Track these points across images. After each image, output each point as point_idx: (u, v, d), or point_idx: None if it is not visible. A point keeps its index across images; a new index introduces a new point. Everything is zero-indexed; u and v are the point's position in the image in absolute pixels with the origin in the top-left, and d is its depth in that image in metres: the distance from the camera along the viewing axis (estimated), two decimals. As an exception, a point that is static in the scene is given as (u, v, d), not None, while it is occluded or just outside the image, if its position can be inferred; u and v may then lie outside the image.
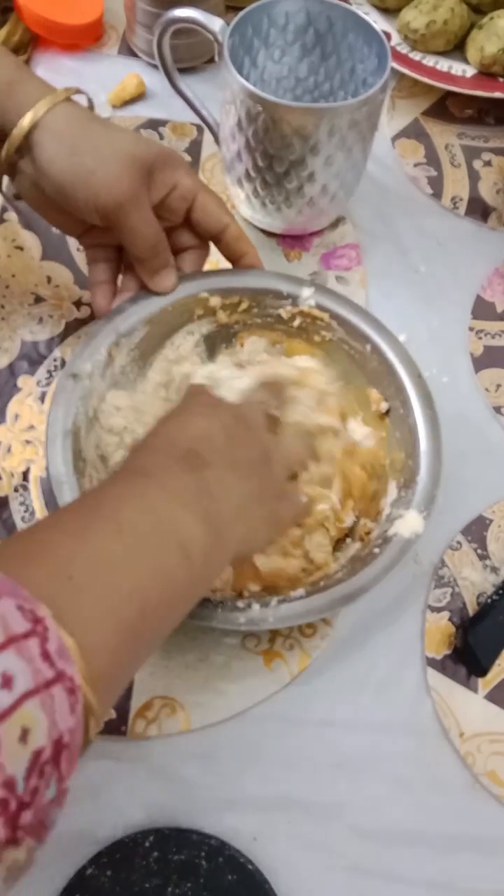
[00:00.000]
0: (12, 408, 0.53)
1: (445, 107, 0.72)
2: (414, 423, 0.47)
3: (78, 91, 0.47)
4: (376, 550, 0.43)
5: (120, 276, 0.52)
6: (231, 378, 0.48)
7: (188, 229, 0.50)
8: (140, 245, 0.47)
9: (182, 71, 0.60)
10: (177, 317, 0.51)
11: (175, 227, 0.50)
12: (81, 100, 0.48)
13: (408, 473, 0.46)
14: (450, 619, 0.48)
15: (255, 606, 0.42)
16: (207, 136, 0.66)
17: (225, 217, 0.49)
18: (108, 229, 0.47)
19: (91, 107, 0.49)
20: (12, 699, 0.24)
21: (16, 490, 0.50)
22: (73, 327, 0.57)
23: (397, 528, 0.44)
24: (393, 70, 0.56)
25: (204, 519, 0.36)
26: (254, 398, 0.47)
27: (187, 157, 0.66)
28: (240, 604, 0.42)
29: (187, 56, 0.68)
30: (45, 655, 0.25)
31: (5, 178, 0.49)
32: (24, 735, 0.24)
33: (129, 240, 0.47)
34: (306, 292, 0.51)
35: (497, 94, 0.67)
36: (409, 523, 0.44)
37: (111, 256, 0.51)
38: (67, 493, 0.43)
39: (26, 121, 0.44)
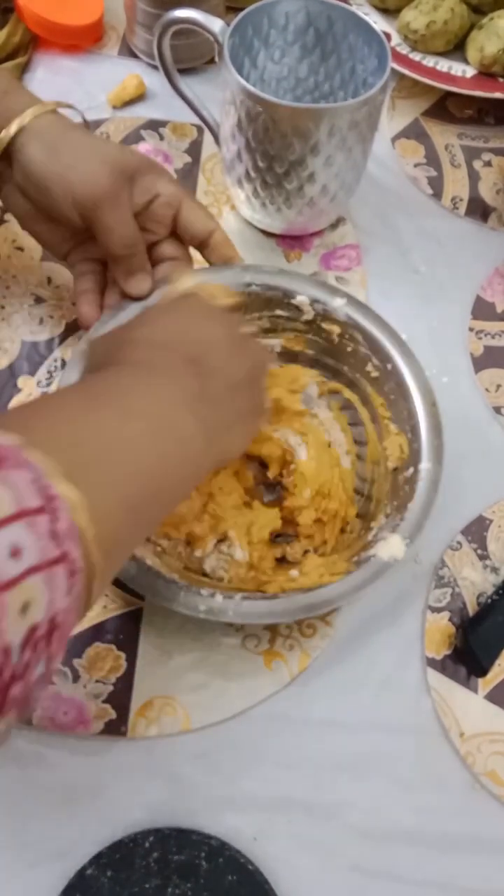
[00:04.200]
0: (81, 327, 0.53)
1: (445, 107, 0.72)
2: (418, 451, 0.46)
3: (69, 105, 0.48)
4: (352, 568, 0.43)
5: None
6: None
7: (172, 240, 0.51)
8: (116, 243, 0.47)
9: (182, 71, 0.60)
10: None
11: (159, 239, 0.51)
12: (73, 114, 0.48)
13: (403, 498, 0.46)
14: (450, 620, 0.48)
15: (218, 597, 0.42)
16: (207, 136, 0.66)
17: (211, 223, 0.50)
18: (92, 242, 0.48)
19: (86, 123, 0.50)
20: (18, 570, 0.24)
21: (16, 490, 0.50)
22: (73, 328, 0.57)
23: (378, 549, 0.43)
24: (393, 70, 0.56)
25: (202, 424, 0.37)
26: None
27: (187, 158, 0.66)
28: (203, 591, 0.42)
29: (187, 56, 0.68)
30: (54, 534, 0.26)
31: None
32: (25, 607, 0.24)
33: (105, 238, 0.47)
34: (338, 302, 0.51)
35: (497, 95, 0.67)
36: (390, 547, 0.43)
37: (97, 269, 0.52)
38: None
39: (13, 127, 0.45)
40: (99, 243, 0.48)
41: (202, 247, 0.51)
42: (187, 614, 0.41)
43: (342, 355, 0.52)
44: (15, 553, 0.24)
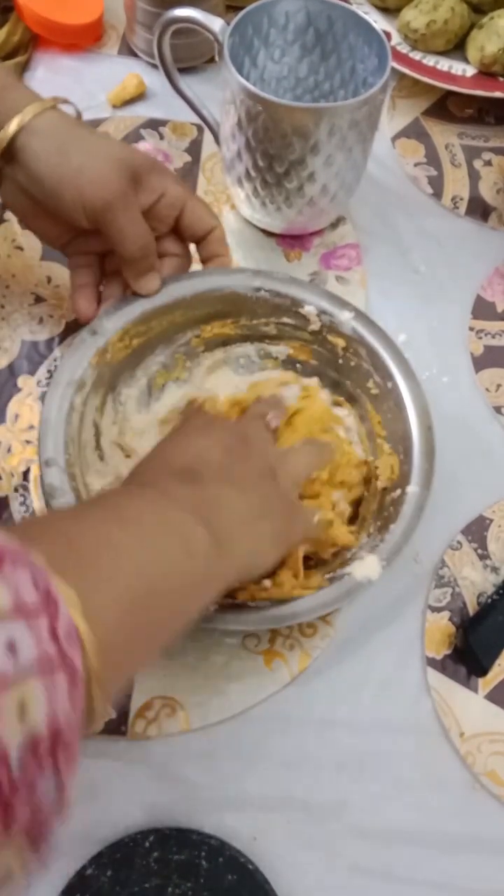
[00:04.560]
0: (12, 408, 0.53)
1: (446, 106, 0.72)
2: (408, 473, 0.46)
3: (66, 101, 0.47)
4: (325, 584, 0.43)
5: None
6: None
7: (173, 237, 0.51)
8: (129, 246, 0.47)
9: (182, 71, 0.60)
10: (207, 308, 0.52)
11: (160, 235, 0.50)
12: (70, 110, 0.48)
13: (387, 519, 0.45)
14: (450, 619, 0.48)
15: None
16: (207, 136, 0.66)
17: (213, 220, 0.50)
18: (92, 235, 0.48)
19: (79, 116, 0.49)
20: (15, 669, 0.23)
21: (16, 490, 0.50)
22: (73, 327, 0.57)
23: (354, 568, 0.43)
24: (393, 70, 0.56)
25: (205, 525, 0.36)
26: (253, 412, 0.46)
27: (187, 157, 0.66)
28: None
29: (187, 56, 0.68)
30: (54, 634, 0.25)
31: None
32: (23, 710, 0.23)
33: (117, 240, 0.46)
34: (345, 315, 0.51)
35: (497, 94, 0.67)
36: (366, 567, 0.43)
37: (93, 262, 0.51)
38: (51, 441, 0.44)
39: (13, 125, 0.44)
40: (111, 244, 0.47)
41: (199, 242, 0.51)
42: None
43: (345, 369, 0.52)
44: (11, 649, 0.23)
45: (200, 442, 0.42)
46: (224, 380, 0.53)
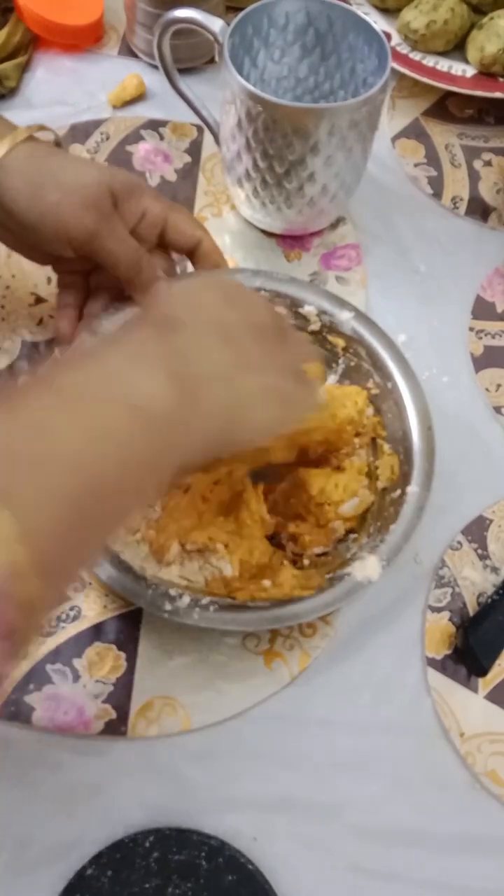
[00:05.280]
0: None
1: (445, 107, 0.72)
2: (408, 473, 0.46)
3: (42, 128, 0.46)
4: (325, 585, 0.44)
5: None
6: None
7: (158, 251, 0.50)
8: (123, 267, 0.46)
9: (182, 71, 0.60)
10: None
11: (97, 266, 0.50)
12: (47, 136, 0.47)
13: (387, 519, 0.45)
14: (450, 619, 0.48)
15: (186, 598, 0.42)
16: (207, 136, 0.66)
17: (198, 232, 0.49)
18: (82, 258, 0.47)
19: (58, 142, 0.49)
20: None
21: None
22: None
23: (354, 569, 0.43)
24: (393, 70, 0.56)
25: (170, 376, 0.32)
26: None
27: (187, 158, 0.66)
28: (172, 592, 0.42)
29: (187, 56, 0.68)
30: None
31: None
32: None
33: (110, 264, 0.46)
34: (345, 315, 0.51)
35: (497, 94, 0.67)
36: (366, 568, 0.43)
37: (79, 282, 0.51)
38: None
39: None
40: (105, 268, 0.47)
41: (190, 255, 0.51)
42: (152, 612, 0.42)
43: (345, 369, 0.52)
44: None
45: (201, 292, 0.37)
46: None
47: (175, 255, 0.52)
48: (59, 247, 0.45)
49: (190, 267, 0.53)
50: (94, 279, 0.51)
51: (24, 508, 0.26)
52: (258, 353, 0.35)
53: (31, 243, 0.47)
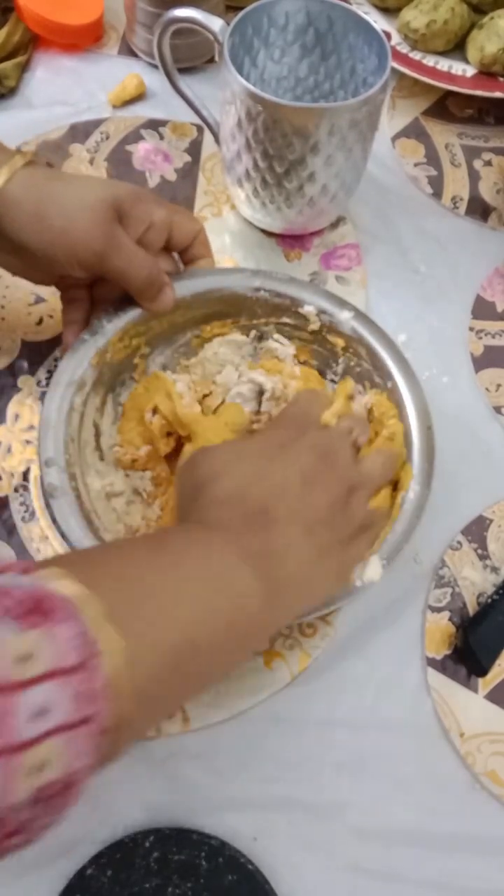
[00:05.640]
0: (12, 408, 0.53)
1: (446, 106, 0.72)
2: (407, 473, 0.46)
3: (33, 155, 0.45)
4: None
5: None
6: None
7: (163, 255, 0.50)
8: (134, 282, 0.46)
9: (182, 71, 0.60)
10: (206, 308, 0.52)
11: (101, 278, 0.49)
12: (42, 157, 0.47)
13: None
14: (450, 619, 0.48)
15: None
16: (207, 136, 0.66)
17: (195, 224, 0.50)
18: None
19: (49, 163, 0.49)
20: (38, 731, 0.24)
21: (16, 490, 0.50)
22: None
23: (356, 569, 0.43)
24: (393, 70, 0.56)
25: (263, 578, 0.36)
26: (341, 427, 0.45)
27: (187, 157, 0.66)
28: None
29: (187, 56, 0.68)
30: (90, 694, 0.26)
31: None
32: (41, 767, 0.24)
33: (121, 280, 0.46)
34: (345, 315, 0.50)
35: (497, 94, 0.67)
36: (368, 568, 0.43)
37: (84, 296, 0.50)
38: (51, 441, 0.44)
39: None
40: (118, 283, 0.47)
41: (184, 250, 0.50)
42: None
43: (345, 369, 0.52)
44: (41, 713, 0.24)
45: (279, 471, 0.40)
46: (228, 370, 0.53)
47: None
48: (70, 270, 0.45)
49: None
50: (97, 291, 0.50)
51: (134, 636, 0.29)
52: (327, 537, 0.40)
53: (39, 269, 0.47)
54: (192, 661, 0.32)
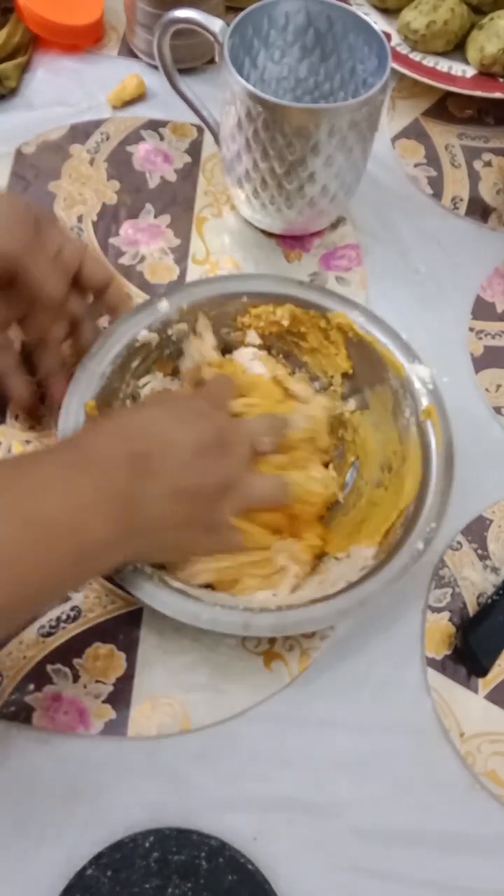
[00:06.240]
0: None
1: (445, 107, 0.72)
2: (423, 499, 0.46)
3: None
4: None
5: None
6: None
7: (74, 294, 0.49)
8: (46, 290, 0.46)
9: (182, 71, 0.60)
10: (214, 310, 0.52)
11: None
12: None
13: (391, 546, 0.45)
14: (450, 619, 0.48)
15: (218, 609, 0.42)
16: (207, 136, 0.66)
17: (108, 271, 0.49)
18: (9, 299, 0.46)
19: None
20: None
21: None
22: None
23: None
24: (393, 70, 0.56)
25: (116, 524, 0.38)
26: (251, 427, 0.46)
27: (187, 158, 0.66)
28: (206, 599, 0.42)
29: (187, 56, 0.68)
30: None
31: None
32: None
33: (37, 286, 0.45)
34: (354, 315, 0.51)
35: (497, 95, 0.67)
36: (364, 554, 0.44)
37: (8, 342, 0.50)
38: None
39: None
40: (28, 295, 0.46)
41: (99, 294, 0.50)
42: (159, 610, 0.42)
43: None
44: None
45: (182, 431, 0.42)
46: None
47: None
48: None
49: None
50: (29, 332, 0.50)
51: None
52: (189, 513, 0.42)
53: None
54: (12, 605, 0.35)
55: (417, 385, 0.49)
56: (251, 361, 0.52)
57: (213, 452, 0.42)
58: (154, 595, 0.42)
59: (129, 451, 0.40)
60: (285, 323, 0.52)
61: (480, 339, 0.59)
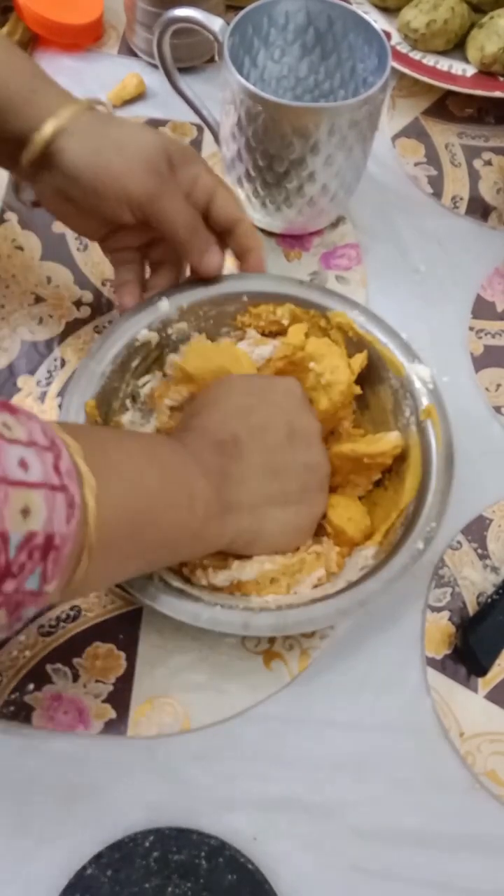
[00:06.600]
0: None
1: (445, 106, 0.72)
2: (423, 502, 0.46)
3: (99, 102, 0.47)
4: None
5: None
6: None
7: (166, 245, 0.51)
8: (181, 230, 0.47)
9: (182, 71, 0.60)
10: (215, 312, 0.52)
11: (153, 240, 0.51)
12: (102, 109, 0.48)
13: (391, 545, 0.45)
14: (450, 619, 0.48)
15: (218, 609, 0.42)
16: (207, 136, 0.66)
17: (239, 211, 0.50)
18: (132, 229, 0.48)
19: (111, 112, 0.49)
20: (25, 478, 0.28)
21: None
22: (72, 327, 0.57)
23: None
24: (393, 69, 0.56)
25: (216, 490, 0.40)
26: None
27: (187, 157, 0.66)
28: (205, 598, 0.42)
29: (187, 56, 0.68)
30: (56, 468, 0.30)
31: (24, 186, 0.49)
32: (26, 512, 0.28)
33: (167, 228, 0.47)
34: (354, 314, 0.51)
35: (497, 94, 0.67)
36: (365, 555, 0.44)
37: (135, 258, 0.51)
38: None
39: (49, 128, 0.44)
40: (161, 233, 0.48)
41: (228, 234, 0.50)
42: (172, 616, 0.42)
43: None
44: (22, 465, 0.28)
45: (267, 414, 0.44)
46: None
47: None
48: (119, 211, 0.46)
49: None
50: (151, 255, 0.51)
51: (105, 486, 0.33)
52: (279, 489, 0.44)
53: (90, 210, 0.47)
54: (146, 530, 0.36)
55: (417, 385, 0.49)
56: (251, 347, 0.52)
57: (301, 436, 0.45)
58: (154, 595, 0.42)
59: (214, 442, 0.42)
60: (285, 322, 0.52)
61: (480, 338, 0.59)
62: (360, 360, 0.50)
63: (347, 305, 0.51)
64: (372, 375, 0.51)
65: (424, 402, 0.48)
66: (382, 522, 0.46)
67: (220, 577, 0.44)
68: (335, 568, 0.46)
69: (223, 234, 0.50)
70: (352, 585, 0.43)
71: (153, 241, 0.51)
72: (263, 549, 0.44)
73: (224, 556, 0.45)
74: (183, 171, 0.47)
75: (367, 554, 0.45)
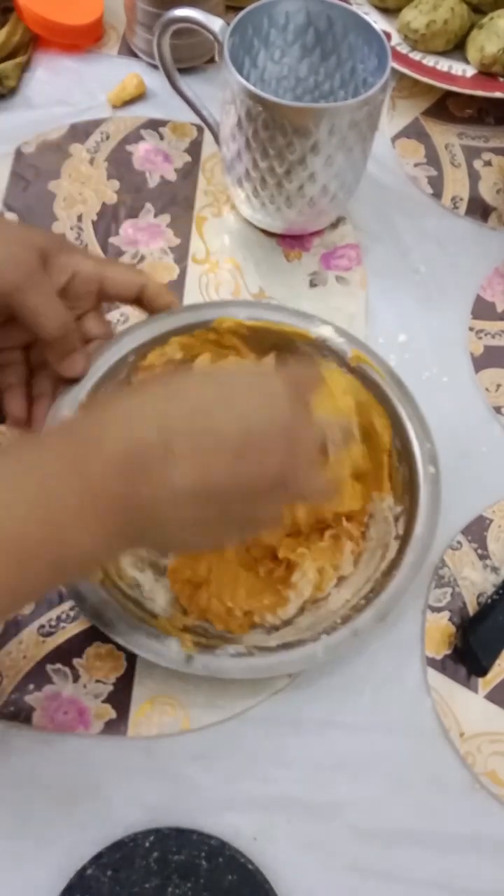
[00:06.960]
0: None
1: (445, 107, 0.72)
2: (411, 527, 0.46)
3: None
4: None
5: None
6: None
7: (95, 315, 0.48)
8: (47, 325, 0.43)
9: (182, 71, 0.60)
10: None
11: (82, 314, 0.47)
12: None
13: (378, 585, 0.45)
14: (450, 619, 0.48)
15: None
16: (207, 136, 0.66)
17: (139, 278, 0.47)
18: (10, 327, 0.45)
19: None
20: None
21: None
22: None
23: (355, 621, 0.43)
24: (393, 70, 0.56)
25: (107, 529, 0.33)
26: (326, 419, 0.40)
27: (187, 157, 0.66)
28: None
29: (187, 56, 0.68)
30: None
31: None
32: None
33: (34, 322, 0.43)
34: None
35: (497, 94, 0.67)
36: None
37: (19, 359, 0.48)
38: None
39: None
40: (27, 328, 0.44)
41: (137, 303, 0.48)
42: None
43: None
44: None
45: (224, 415, 0.35)
46: None
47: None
48: None
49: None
50: (35, 357, 0.48)
51: None
52: (215, 516, 0.35)
53: None
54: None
55: (335, 339, 0.48)
56: None
57: (272, 443, 0.35)
58: (134, 638, 0.42)
59: (132, 444, 0.33)
60: (178, 356, 0.50)
61: (480, 338, 0.59)
62: (271, 359, 0.48)
63: (227, 308, 0.50)
64: (286, 355, 0.50)
65: (348, 351, 0.48)
66: (379, 470, 0.47)
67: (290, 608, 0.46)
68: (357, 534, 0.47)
69: (135, 303, 0.48)
70: (345, 621, 0.44)
71: (34, 343, 0.47)
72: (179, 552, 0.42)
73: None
74: (57, 266, 0.44)
75: (386, 506, 0.47)
